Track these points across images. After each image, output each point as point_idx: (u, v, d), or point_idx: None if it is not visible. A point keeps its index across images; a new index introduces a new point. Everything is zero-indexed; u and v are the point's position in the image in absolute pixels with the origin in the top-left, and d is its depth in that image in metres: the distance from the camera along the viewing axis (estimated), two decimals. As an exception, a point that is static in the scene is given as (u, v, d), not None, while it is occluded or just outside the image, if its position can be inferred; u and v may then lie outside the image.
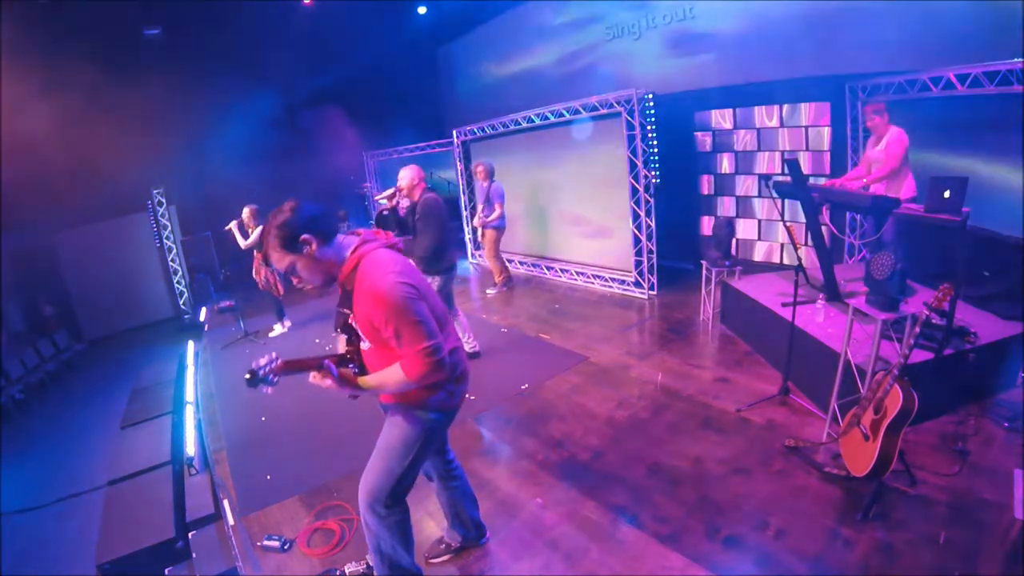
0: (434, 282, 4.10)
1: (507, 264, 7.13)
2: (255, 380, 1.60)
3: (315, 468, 3.34)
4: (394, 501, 1.97)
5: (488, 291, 6.91)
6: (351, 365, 1.89)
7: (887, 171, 4.09)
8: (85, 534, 2.99)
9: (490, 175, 6.42)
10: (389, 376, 1.79)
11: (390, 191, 4.50)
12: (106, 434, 4.32)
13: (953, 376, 3.09)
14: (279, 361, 1.66)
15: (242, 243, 5.89)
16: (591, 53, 7.96)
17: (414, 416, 1.94)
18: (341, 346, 1.94)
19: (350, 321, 1.86)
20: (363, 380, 1.84)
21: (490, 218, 6.42)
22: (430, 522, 2.73)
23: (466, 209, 8.67)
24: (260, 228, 5.85)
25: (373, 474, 1.96)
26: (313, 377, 1.78)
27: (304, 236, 1.70)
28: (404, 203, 4.39)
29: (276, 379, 1.66)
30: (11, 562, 3.02)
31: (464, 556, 2.48)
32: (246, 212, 5.84)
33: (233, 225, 5.87)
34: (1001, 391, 3.27)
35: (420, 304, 1.75)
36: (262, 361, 1.63)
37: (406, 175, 4.23)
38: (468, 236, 8.83)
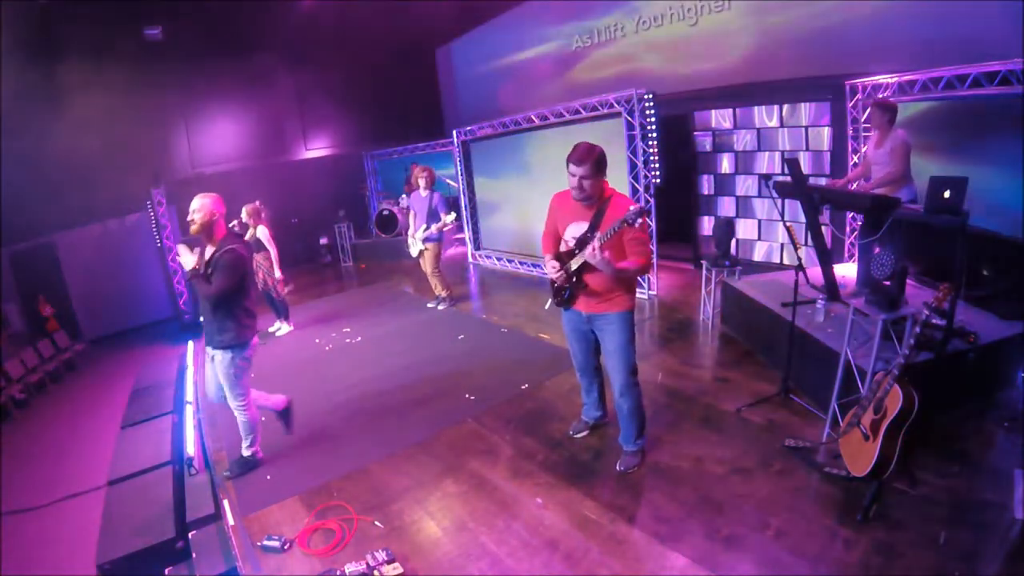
0: (215, 357, 3.17)
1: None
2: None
3: (315, 468, 3.34)
4: (636, 371, 2.90)
5: (431, 305, 6.47)
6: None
7: (894, 175, 4.02)
8: (85, 534, 2.99)
9: (433, 184, 6.08)
10: (633, 264, 2.62)
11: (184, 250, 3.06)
12: (106, 434, 4.32)
13: (953, 376, 3.09)
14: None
15: None
16: (591, 53, 7.96)
17: (623, 317, 2.81)
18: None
19: (595, 234, 2.62)
20: (619, 264, 2.59)
21: (445, 224, 5.84)
22: (430, 522, 2.74)
23: (467, 209, 8.66)
24: (259, 226, 5.83)
25: (622, 364, 2.85)
26: (593, 246, 2.52)
27: (604, 170, 2.70)
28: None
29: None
30: (11, 562, 3.02)
31: (597, 432, 3.35)
32: (245, 210, 5.83)
33: (234, 224, 5.85)
34: (1001, 391, 3.28)
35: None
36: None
37: (201, 206, 3.00)
38: (469, 236, 8.82)
